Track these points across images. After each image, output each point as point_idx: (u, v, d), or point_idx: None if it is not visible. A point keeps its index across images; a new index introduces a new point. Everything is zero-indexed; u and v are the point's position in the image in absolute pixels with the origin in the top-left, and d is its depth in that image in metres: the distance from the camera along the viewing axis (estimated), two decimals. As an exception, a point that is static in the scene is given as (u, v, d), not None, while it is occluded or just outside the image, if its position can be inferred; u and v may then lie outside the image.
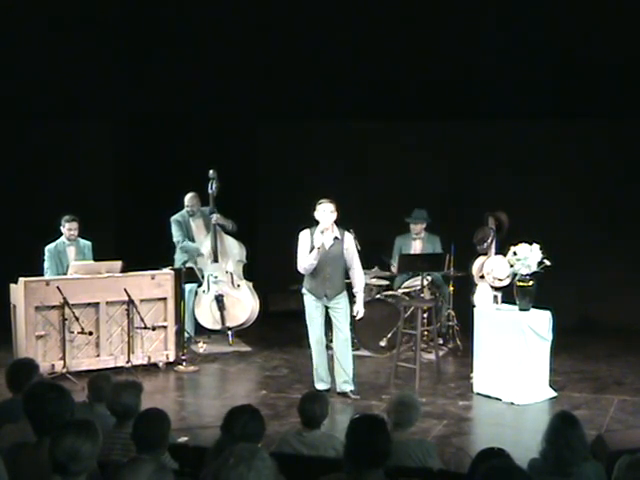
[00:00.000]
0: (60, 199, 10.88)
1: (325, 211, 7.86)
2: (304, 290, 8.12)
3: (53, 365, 8.62)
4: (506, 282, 8.24)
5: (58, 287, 8.50)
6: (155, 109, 11.49)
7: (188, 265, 9.83)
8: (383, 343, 9.63)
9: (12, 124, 11.19)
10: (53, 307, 8.62)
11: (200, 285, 10.11)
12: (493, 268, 8.33)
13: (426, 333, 9.81)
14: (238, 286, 10.21)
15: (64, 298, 8.48)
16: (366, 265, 9.38)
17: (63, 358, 8.62)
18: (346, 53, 11.00)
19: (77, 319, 8.50)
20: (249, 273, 10.48)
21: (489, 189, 11.02)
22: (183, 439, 6.29)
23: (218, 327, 10.21)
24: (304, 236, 8.00)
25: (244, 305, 10.20)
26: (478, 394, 8.14)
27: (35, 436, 4.17)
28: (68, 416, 4.19)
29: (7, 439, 4.36)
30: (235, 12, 11.17)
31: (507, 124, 11.02)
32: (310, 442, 4.99)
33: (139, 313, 8.83)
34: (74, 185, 11.58)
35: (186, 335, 9.66)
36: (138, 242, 11.06)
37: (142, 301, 9.01)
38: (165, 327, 9.22)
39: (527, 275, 7.92)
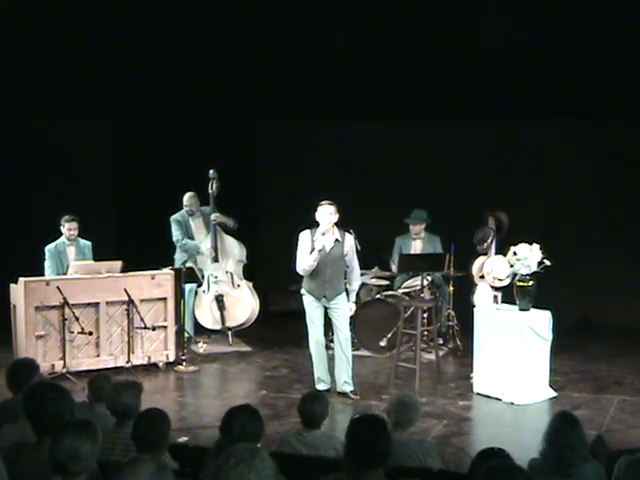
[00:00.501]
0: (60, 199, 10.88)
1: (324, 213, 7.85)
2: (303, 291, 8.11)
3: (53, 365, 8.62)
4: (506, 282, 8.24)
5: (58, 287, 8.50)
6: (155, 109, 11.50)
7: (188, 265, 9.82)
8: (383, 343, 9.63)
9: (12, 124, 11.19)
10: (53, 307, 8.62)
11: (200, 285, 10.11)
12: (493, 268, 8.33)
13: (426, 333, 9.81)
14: (238, 286, 10.21)
15: (64, 298, 8.48)
16: (366, 265, 9.40)
17: (63, 358, 8.62)
18: (346, 53, 11.00)
19: (77, 319, 8.50)
20: (249, 273, 10.48)
21: (489, 189, 11.02)
22: (183, 439, 6.29)
23: (218, 327, 10.21)
24: (304, 237, 7.99)
25: (244, 305, 10.20)
26: (478, 394, 8.14)
27: (35, 436, 4.17)
28: (68, 416, 4.19)
29: (7, 439, 4.36)
30: (235, 12, 11.18)
31: (507, 124, 11.02)
32: (310, 442, 4.99)
33: (139, 313, 8.83)
34: (74, 185, 11.58)
35: (186, 335, 9.66)
36: (138, 242, 11.06)
37: (142, 301, 9.01)
38: (165, 327, 9.22)
39: (527, 275, 7.92)
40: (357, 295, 9.84)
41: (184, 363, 9.19)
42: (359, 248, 8.27)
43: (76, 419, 4.07)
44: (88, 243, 9.49)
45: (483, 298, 8.45)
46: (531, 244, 7.93)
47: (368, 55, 11.00)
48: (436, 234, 10.27)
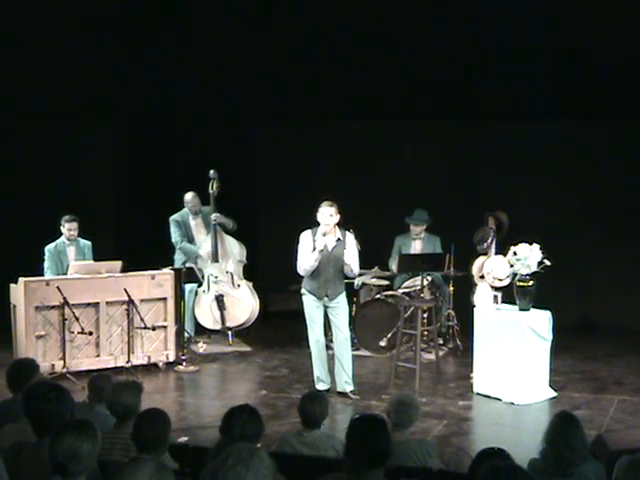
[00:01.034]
0: (60, 199, 10.88)
1: (324, 214, 7.85)
2: (303, 290, 8.11)
3: (53, 365, 8.61)
4: (506, 282, 8.23)
5: (58, 287, 8.50)
6: (155, 109, 11.50)
7: (188, 265, 9.83)
8: (383, 343, 9.63)
9: (12, 124, 11.19)
10: (53, 307, 8.61)
11: (200, 285, 10.11)
12: (493, 268, 8.32)
13: (426, 333, 9.81)
14: (238, 286, 10.20)
15: (64, 298, 8.47)
16: (366, 265, 9.40)
17: (63, 358, 8.62)
18: (346, 53, 11.00)
19: (77, 319, 8.50)
20: (249, 273, 10.48)
21: (489, 189, 11.03)
22: (183, 439, 6.29)
23: (218, 327, 10.21)
24: (305, 237, 7.99)
25: (244, 305, 10.20)
26: (478, 394, 8.14)
27: (35, 436, 4.17)
28: (68, 416, 4.19)
29: (7, 439, 4.36)
30: (235, 12, 11.18)
31: (507, 124, 11.02)
32: (310, 442, 4.99)
33: (139, 313, 8.83)
34: (74, 185, 11.57)
35: (186, 335, 9.65)
36: (138, 242, 11.06)
37: (142, 301, 9.01)
38: (165, 327, 9.22)
39: (527, 275, 7.92)
40: (357, 295, 9.91)
41: (184, 363, 9.19)
42: (359, 248, 8.26)
43: (76, 419, 4.07)
44: (88, 243, 9.50)
45: (483, 298, 8.44)
46: (531, 244, 7.93)
47: (368, 55, 11.00)
48: (436, 234, 10.27)
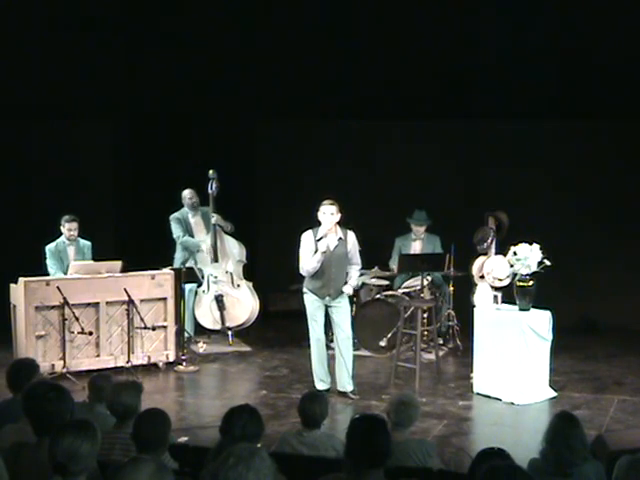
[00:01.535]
0: (60, 199, 10.87)
1: (325, 213, 7.86)
2: (305, 289, 8.11)
3: (53, 365, 8.61)
4: (506, 282, 8.23)
5: (58, 287, 8.50)
6: (155, 109, 11.49)
7: (188, 265, 9.83)
8: (383, 343, 9.63)
9: (12, 124, 11.19)
10: (53, 307, 8.61)
11: (200, 285, 10.10)
12: (493, 268, 8.32)
13: (426, 333, 9.81)
14: (238, 286, 10.20)
15: (64, 298, 8.47)
16: (366, 265, 9.39)
17: (63, 358, 8.62)
18: (346, 52, 11.00)
19: (77, 319, 8.50)
20: (249, 273, 10.47)
21: (489, 189, 11.02)
22: (183, 439, 6.29)
23: (218, 327, 10.20)
24: (307, 237, 7.98)
25: (244, 305, 10.20)
26: (478, 394, 8.14)
27: (35, 436, 4.17)
28: (68, 416, 4.19)
29: (7, 439, 4.36)
30: (235, 12, 11.18)
31: (507, 124, 11.02)
32: (310, 442, 4.99)
33: (139, 313, 8.83)
34: (74, 185, 11.57)
35: (186, 335, 9.65)
36: (138, 242, 11.06)
37: (142, 301, 9.01)
38: (165, 327, 9.22)
39: (527, 275, 7.92)
40: (357, 295, 9.90)
41: (184, 363, 9.19)
42: (359, 248, 8.26)
43: (76, 419, 4.07)
44: (88, 243, 9.49)
45: (483, 298, 8.44)
46: (531, 244, 7.93)
47: (368, 55, 11.00)
48: (436, 234, 10.27)
